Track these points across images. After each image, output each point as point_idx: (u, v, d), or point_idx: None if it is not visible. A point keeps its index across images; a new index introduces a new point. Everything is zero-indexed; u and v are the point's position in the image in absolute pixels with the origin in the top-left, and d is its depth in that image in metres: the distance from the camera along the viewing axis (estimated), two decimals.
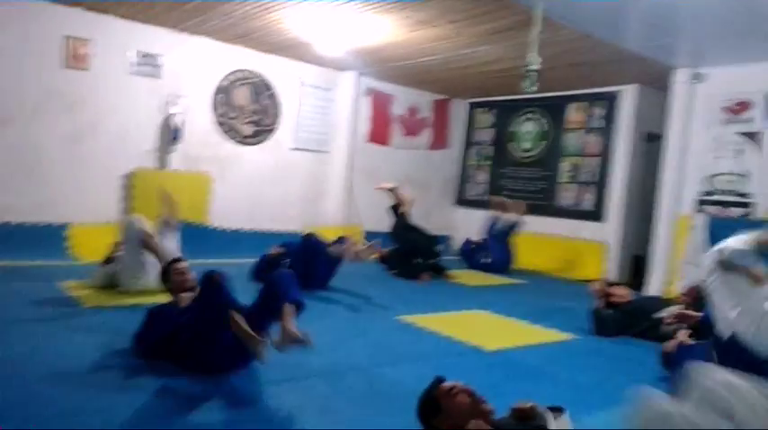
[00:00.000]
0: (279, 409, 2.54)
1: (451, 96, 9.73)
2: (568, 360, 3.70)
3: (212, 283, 2.77)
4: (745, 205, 6.24)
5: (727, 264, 2.57)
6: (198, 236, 6.46)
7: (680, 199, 6.70)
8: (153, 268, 4.28)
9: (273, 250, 5.59)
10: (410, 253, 6.64)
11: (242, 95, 7.67)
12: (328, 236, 5.94)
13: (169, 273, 3.17)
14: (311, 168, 8.46)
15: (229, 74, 7.51)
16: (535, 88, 4.51)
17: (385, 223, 8.76)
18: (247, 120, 7.76)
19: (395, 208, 7.07)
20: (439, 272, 6.69)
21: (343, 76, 8.49)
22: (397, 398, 2.75)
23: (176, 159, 7.09)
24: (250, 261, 5.58)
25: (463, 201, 9.91)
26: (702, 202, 6.56)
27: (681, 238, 6.53)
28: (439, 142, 9.82)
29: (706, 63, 6.44)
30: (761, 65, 6.08)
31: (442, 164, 9.88)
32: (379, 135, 9.05)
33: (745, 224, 6.10)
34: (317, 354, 3.30)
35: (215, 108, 7.45)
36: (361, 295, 5.21)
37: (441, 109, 9.75)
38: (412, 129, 9.46)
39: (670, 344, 3.50)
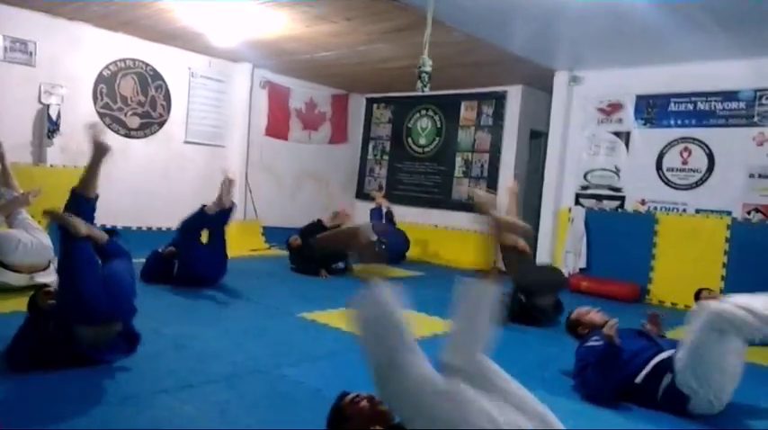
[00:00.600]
0: (173, 419, 2.46)
1: (350, 91, 9.78)
2: None
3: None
4: (616, 199, 6.85)
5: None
6: None
7: (561, 193, 7.23)
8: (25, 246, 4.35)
9: (164, 249, 5.36)
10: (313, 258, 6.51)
11: (127, 86, 7.23)
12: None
13: (38, 297, 2.94)
14: (205, 162, 8.16)
15: (113, 63, 7.05)
16: (428, 89, 4.65)
17: (283, 218, 8.70)
18: (134, 111, 7.33)
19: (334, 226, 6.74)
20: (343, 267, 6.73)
21: (237, 68, 8.26)
22: (299, 399, 2.77)
23: (54, 153, 6.56)
24: (140, 261, 5.31)
25: (363, 195, 10.03)
26: (580, 196, 7.13)
27: (563, 229, 7.05)
28: (338, 137, 9.84)
29: (583, 67, 6.98)
30: (629, 70, 6.69)
31: (342, 158, 9.92)
32: (276, 129, 8.91)
33: (617, 216, 6.75)
34: (215, 359, 3.24)
35: (97, 99, 6.97)
36: (261, 293, 5.14)
37: (339, 104, 9.77)
38: (311, 123, 9.40)
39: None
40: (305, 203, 9.25)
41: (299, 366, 3.24)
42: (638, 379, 2.95)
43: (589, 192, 7.06)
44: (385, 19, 5.57)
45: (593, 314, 3.47)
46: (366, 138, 10.08)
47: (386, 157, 9.77)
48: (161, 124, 7.61)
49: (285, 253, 6.92)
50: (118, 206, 7.07)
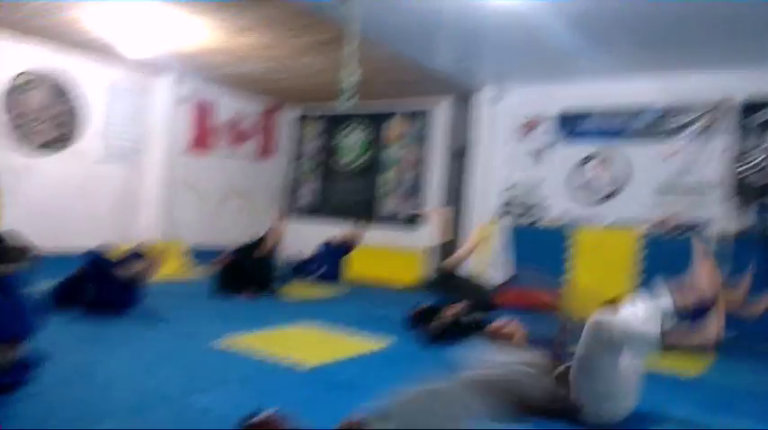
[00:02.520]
0: None
1: (278, 105, 9.66)
2: (382, 369, 3.83)
3: None
4: (536, 213, 7.06)
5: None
6: None
7: (484, 207, 7.38)
8: None
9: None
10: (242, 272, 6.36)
11: (35, 99, 6.83)
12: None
13: None
14: (123, 179, 7.81)
15: (19, 74, 6.65)
16: (350, 105, 4.64)
17: (208, 237, 8.42)
18: (42, 126, 6.92)
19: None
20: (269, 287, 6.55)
21: (158, 81, 7.98)
22: (206, 427, 2.63)
23: None
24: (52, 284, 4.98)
25: (291, 212, 9.88)
26: (502, 210, 7.30)
27: (485, 244, 7.18)
28: (266, 152, 9.68)
29: (504, 84, 7.20)
30: (549, 87, 6.98)
31: (269, 174, 9.75)
32: (200, 143, 8.65)
33: (536, 230, 6.95)
34: (117, 389, 3.04)
35: (5, 112, 6.54)
36: (177, 316, 4.90)
37: (267, 117, 9.62)
38: (237, 137, 9.20)
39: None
40: (230, 221, 9.01)
41: (209, 393, 3.09)
42: None
43: (511, 206, 7.25)
44: (309, 33, 5.56)
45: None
46: (295, 154, 9.97)
47: (315, 173, 9.68)
48: (73, 139, 7.22)
49: (207, 273, 6.70)
50: (27, 226, 6.60)
